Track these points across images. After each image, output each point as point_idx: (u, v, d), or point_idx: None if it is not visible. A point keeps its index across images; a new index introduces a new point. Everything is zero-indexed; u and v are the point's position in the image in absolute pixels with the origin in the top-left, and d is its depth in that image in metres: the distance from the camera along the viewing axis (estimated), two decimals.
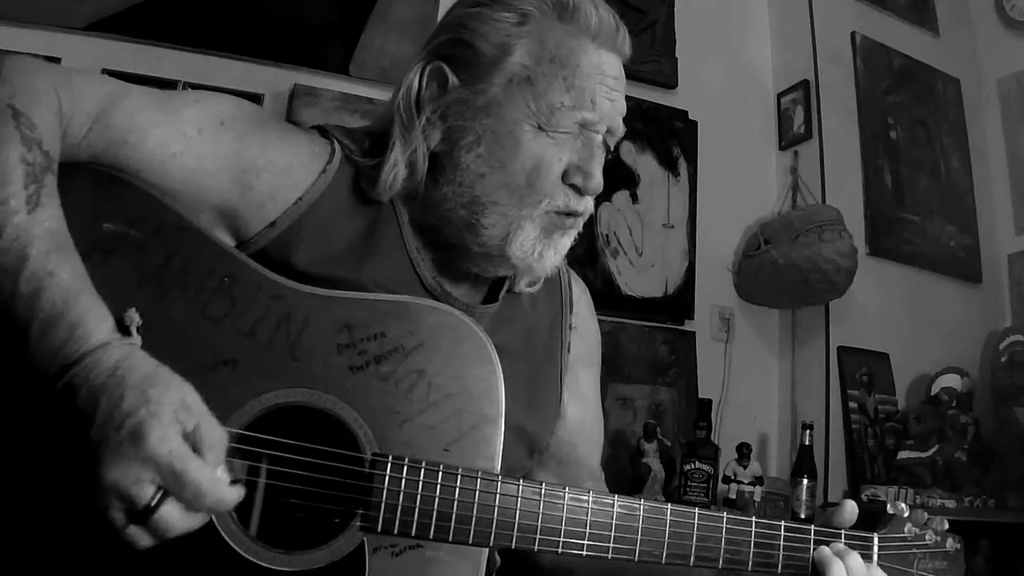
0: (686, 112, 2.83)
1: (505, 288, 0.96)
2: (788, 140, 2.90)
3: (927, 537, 0.94)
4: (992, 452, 2.50)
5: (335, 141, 0.89)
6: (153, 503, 0.61)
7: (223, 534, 0.71)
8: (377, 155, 0.88)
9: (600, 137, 0.88)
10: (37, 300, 0.64)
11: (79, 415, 0.62)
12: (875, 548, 0.91)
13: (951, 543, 0.95)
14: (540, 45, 0.85)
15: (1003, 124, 3.09)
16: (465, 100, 0.86)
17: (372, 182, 0.87)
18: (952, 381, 2.61)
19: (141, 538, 0.63)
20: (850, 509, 0.92)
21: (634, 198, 2.70)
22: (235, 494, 0.66)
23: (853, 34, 2.89)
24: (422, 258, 0.90)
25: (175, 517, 0.63)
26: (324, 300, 0.78)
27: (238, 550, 0.71)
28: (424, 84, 0.88)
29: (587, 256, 2.55)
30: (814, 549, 0.88)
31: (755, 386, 2.75)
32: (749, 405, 2.70)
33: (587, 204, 0.89)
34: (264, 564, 0.71)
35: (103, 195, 0.76)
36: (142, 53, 2.20)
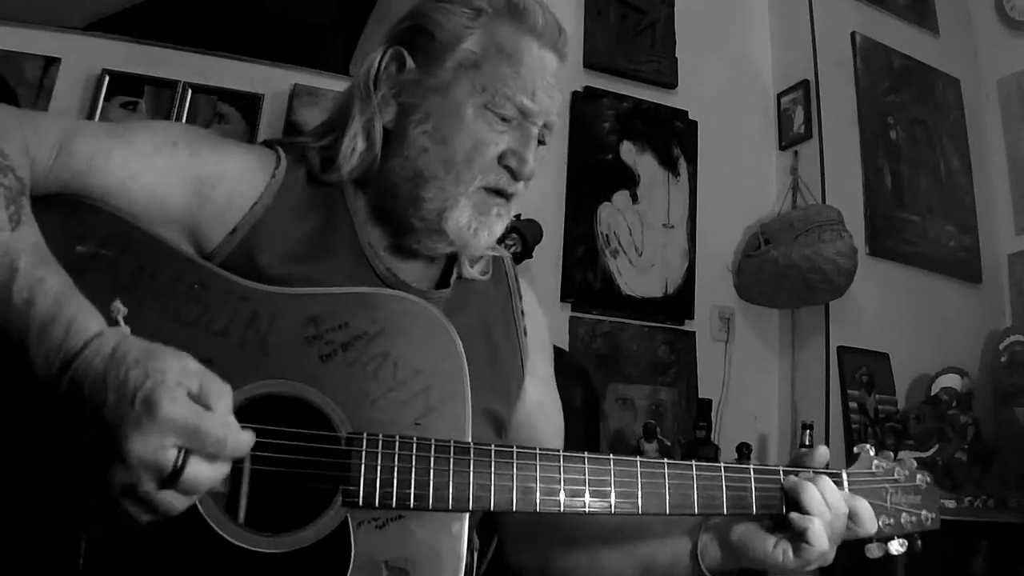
0: (686, 112, 2.83)
1: (455, 275, 1.01)
2: (788, 140, 2.91)
3: (896, 472, 0.95)
4: (992, 452, 2.50)
5: (279, 149, 0.96)
6: (179, 464, 0.64)
7: (212, 524, 0.73)
8: (334, 142, 0.95)
9: (536, 129, 0.95)
10: (31, 307, 0.67)
11: (90, 403, 0.64)
12: (845, 483, 0.91)
13: (921, 478, 0.96)
14: (490, 37, 0.93)
15: (1003, 124, 3.10)
16: (419, 81, 0.94)
17: (330, 162, 0.94)
18: (952, 381, 2.61)
19: (177, 501, 0.66)
20: (822, 453, 0.93)
21: (634, 198, 2.70)
22: (249, 436, 0.69)
23: (853, 34, 2.90)
24: (375, 252, 0.95)
25: (202, 471, 0.66)
26: (289, 297, 0.82)
27: (227, 537, 0.73)
28: (383, 65, 0.96)
29: (587, 256, 2.55)
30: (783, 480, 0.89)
31: (755, 386, 2.75)
32: (749, 405, 2.71)
33: (518, 188, 0.95)
34: (253, 548, 0.73)
35: (72, 220, 0.80)
36: (142, 53, 2.21)
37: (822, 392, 2.58)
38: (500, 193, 0.94)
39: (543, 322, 1.15)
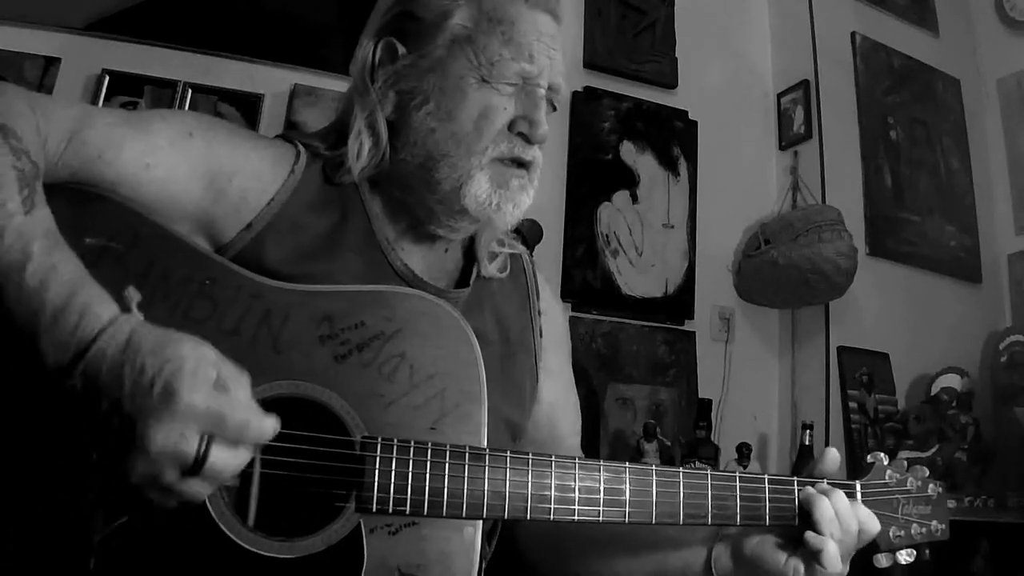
0: (686, 112, 2.83)
1: (475, 274, 1.00)
2: (788, 140, 2.90)
3: (908, 483, 0.95)
4: (992, 452, 2.50)
5: (298, 144, 0.94)
6: (202, 452, 0.63)
7: (223, 528, 0.72)
8: (341, 146, 0.93)
9: (542, 91, 0.92)
10: (44, 292, 0.66)
11: (107, 394, 0.63)
12: (858, 494, 0.91)
13: (932, 488, 0.96)
14: (478, 8, 0.91)
15: (1003, 124, 3.10)
16: (413, 64, 0.92)
17: (340, 166, 0.92)
18: (952, 381, 2.61)
19: (200, 488, 0.65)
20: (832, 457, 0.93)
21: (634, 198, 2.70)
22: (273, 421, 0.68)
23: (853, 34, 2.89)
24: (392, 247, 0.94)
25: (225, 458, 0.65)
26: (303, 294, 0.80)
27: (238, 541, 0.72)
28: (376, 59, 0.94)
29: (587, 256, 2.55)
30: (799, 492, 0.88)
31: (755, 386, 2.75)
32: (749, 405, 2.70)
33: (535, 154, 0.93)
34: (265, 553, 0.72)
35: (81, 212, 0.78)
36: (142, 53, 2.21)
37: (822, 392, 2.58)
38: (518, 163, 0.91)
39: (561, 318, 1.13)
